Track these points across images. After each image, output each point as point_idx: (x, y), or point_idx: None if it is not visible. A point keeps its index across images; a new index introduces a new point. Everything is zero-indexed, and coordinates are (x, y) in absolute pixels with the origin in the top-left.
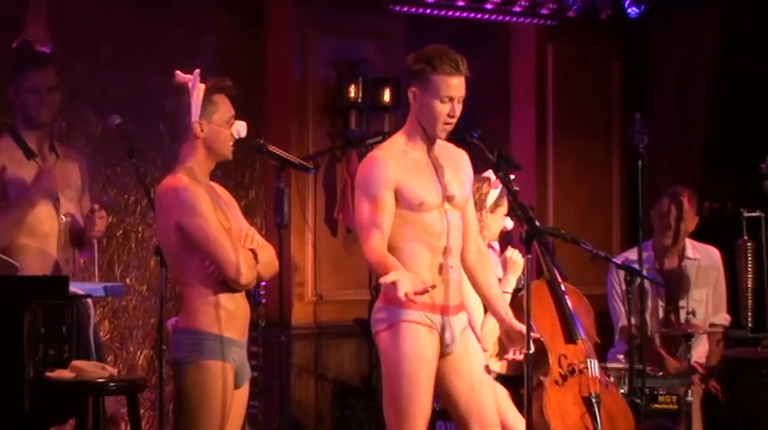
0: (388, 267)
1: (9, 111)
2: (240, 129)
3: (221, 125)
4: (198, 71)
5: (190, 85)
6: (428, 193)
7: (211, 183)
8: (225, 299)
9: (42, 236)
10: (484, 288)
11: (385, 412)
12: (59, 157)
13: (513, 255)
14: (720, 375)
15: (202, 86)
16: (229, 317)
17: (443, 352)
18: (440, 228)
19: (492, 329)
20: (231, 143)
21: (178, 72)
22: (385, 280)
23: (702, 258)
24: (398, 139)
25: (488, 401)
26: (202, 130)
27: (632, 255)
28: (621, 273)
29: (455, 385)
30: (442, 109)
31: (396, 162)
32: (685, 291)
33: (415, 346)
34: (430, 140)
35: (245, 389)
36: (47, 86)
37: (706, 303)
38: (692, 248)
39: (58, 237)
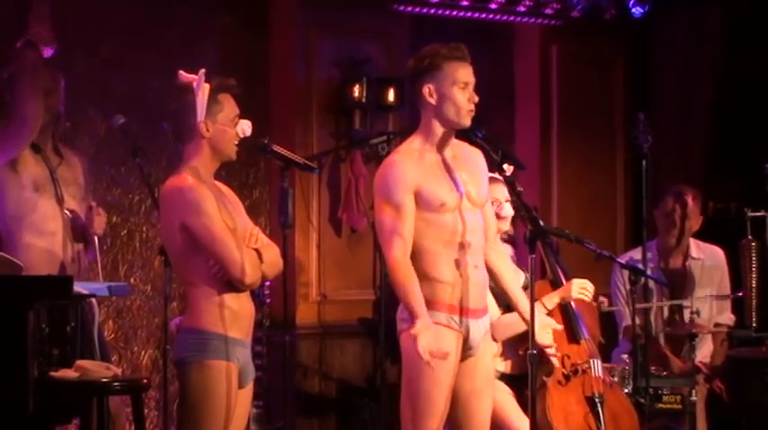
0: (413, 304)
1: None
2: (245, 127)
3: (226, 125)
4: (203, 71)
5: (195, 85)
6: (446, 194)
7: (216, 183)
8: (229, 298)
9: (49, 234)
10: (506, 284)
11: (402, 410)
12: (64, 159)
13: (576, 290)
14: (724, 375)
15: (207, 86)
16: (234, 316)
17: (465, 355)
18: (456, 227)
19: (509, 323)
20: (236, 142)
21: (182, 72)
22: (414, 332)
23: (706, 258)
24: (414, 141)
25: (486, 410)
26: (208, 130)
27: (636, 254)
28: (626, 272)
29: (462, 387)
30: (463, 95)
31: (413, 164)
32: (689, 290)
33: (439, 348)
34: (446, 140)
35: (249, 389)
36: (43, 90)
37: (710, 303)
38: (696, 248)
39: (63, 235)
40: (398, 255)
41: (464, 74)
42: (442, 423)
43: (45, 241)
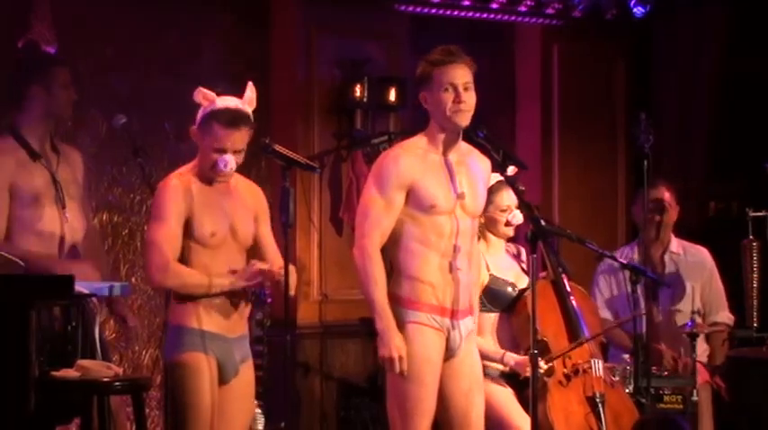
0: (380, 301)
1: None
2: (222, 162)
3: (207, 150)
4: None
5: (200, 97)
6: (441, 196)
7: (230, 182)
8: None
9: (47, 236)
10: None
11: (389, 412)
12: (61, 155)
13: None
14: (725, 374)
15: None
16: (206, 311)
17: (447, 355)
18: (449, 231)
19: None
20: (212, 169)
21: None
22: (391, 346)
23: (687, 254)
24: (419, 140)
25: (478, 408)
26: (196, 139)
27: (618, 254)
28: (620, 273)
29: (452, 389)
30: (447, 97)
31: (414, 161)
32: (670, 292)
33: (422, 348)
34: (449, 143)
35: (239, 387)
36: (71, 82)
37: (692, 297)
38: (677, 244)
39: (61, 237)
40: (374, 247)
41: (452, 75)
42: (430, 422)
43: (43, 242)
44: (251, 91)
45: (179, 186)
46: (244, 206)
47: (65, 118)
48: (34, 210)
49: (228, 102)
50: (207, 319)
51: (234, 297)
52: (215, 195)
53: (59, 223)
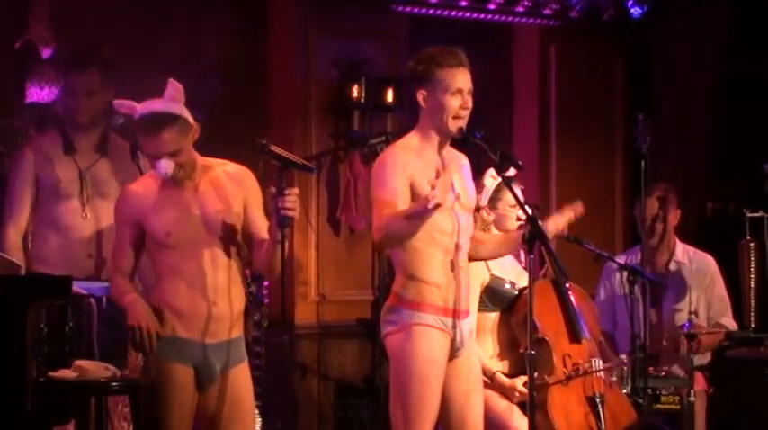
0: (410, 209)
1: (10, 109)
2: (160, 168)
3: (149, 156)
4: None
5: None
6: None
7: (205, 176)
8: (174, 299)
9: (66, 229)
10: (477, 239)
11: (392, 413)
12: (102, 156)
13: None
14: (718, 372)
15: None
16: (177, 316)
17: (451, 355)
18: (451, 228)
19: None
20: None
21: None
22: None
23: (693, 262)
24: (412, 139)
25: (477, 409)
26: None
27: (620, 259)
28: (616, 275)
29: (453, 388)
30: (454, 102)
31: (410, 159)
32: (680, 292)
33: (428, 349)
34: (443, 142)
35: (223, 394)
36: (84, 90)
37: (690, 298)
38: (683, 251)
39: (81, 231)
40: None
41: (459, 80)
42: (433, 424)
43: (60, 235)
44: (172, 87)
45: (126, 194)
46: (222, 196)
47: (82, 124)
48: (55, 203)
49: (150, 106)
50: (179, 325)
51: (215, 301)
52: (177, 194)
53: (78, 219)
